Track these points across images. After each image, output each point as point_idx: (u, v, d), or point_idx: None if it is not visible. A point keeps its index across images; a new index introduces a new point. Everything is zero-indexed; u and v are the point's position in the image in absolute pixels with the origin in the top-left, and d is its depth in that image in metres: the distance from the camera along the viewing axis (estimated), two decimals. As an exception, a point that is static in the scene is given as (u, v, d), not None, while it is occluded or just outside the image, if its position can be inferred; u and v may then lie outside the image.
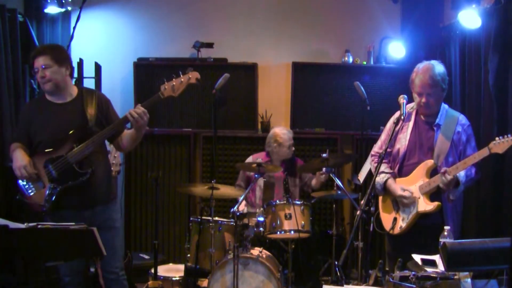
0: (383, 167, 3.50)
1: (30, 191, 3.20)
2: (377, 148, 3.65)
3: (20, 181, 3.21)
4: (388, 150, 3.50)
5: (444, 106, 3.43)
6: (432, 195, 3.29)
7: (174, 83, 3.17)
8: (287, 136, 4.66)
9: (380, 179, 3.46)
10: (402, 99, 3.20)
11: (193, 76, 3.19)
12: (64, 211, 3.18)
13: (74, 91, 3.33)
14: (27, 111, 3.38)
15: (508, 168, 3.62)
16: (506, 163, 3.62)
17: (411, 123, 3.44)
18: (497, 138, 3.02)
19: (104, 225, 3.26)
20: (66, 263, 3.19)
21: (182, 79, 3.17)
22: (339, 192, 4.26)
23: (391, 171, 3.47)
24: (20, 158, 3.16)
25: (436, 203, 3.25)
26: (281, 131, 4.68)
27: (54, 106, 3.26)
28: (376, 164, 3.31)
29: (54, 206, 3.17)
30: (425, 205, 3.28)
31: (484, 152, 3.07)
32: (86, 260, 3.09)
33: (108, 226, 3.30)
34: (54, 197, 3.14)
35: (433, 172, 3.30)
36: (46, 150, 3.18)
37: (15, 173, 3.18)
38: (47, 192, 3.15)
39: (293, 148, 4.71)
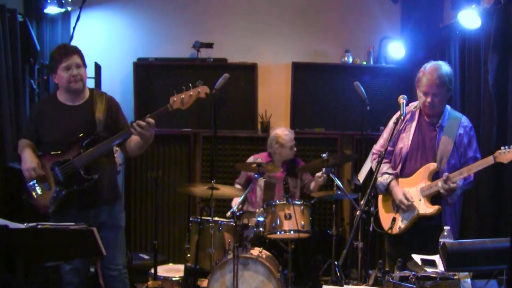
0: (386, 168, 3.49)
1: (36, 192, 3.21)
2: (378, 146, 3.65)
3: (28, 183, 3.23)
4: (390, 149, 3.51)
5: (447, 107, 3.42)
6: (433, 197, 3.28)
7: (183, 96, 3.14)
8: (289, 137, 4.65)
9: (383, 179, 3.46)
10: (402, 99, 3.19)
11: (203, 90, 3.17)
12: (69, 211, 3.21)
13: (87, 93, 3.37)
14: (37, 109, 3.41)
15: (508, 168, 3.62)
16: (506, 164, 3.62)
17: (414, 123, 3.43)
18: (502, 148, 3.02)
19: (108, 223, 3.31)
20: (68, 262, 3.21)
21: (191, 93, 3.14)
22: (339, 192, 4.27)
23: (394, 171, 3.47)
24: (29, 160, 3.17)
25: (436, 207, 3.24)
26: (283, 132, 4.67)
27: (65, 107, 3.29)
28: (377, 164, 3.31)
29: (59, 207, 3.19)
30: (426, 208, 3.27)
31: (488, 160, 3.07)
32: (88, 260, 3.10)
33: (112, 225, 3.34)
34: (59, 200, 3.17)
35: (435, 175, 3.29)
36: (53, 153, 3.20)
37: (23, 174, 3.19)
38: (53, 195, 3.17)
39: (295, 149, 4.71)
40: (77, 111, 3.29)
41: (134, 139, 3.30)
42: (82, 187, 3.18)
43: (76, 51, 3.29)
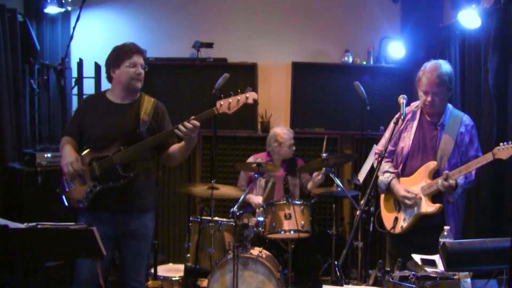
0: (387, 166, 3.50)
1: (70, 186, 3.18)
2: (380, 146, 3.64)
3: (64, 176, 3.19)
4: (392, 148, 3.51)
5: (449, 106, 3.42)
6: (434, 196, 3.28)
7: (230, 101, 3.08)
8: (288, 136, 4.66)
9: (385, 178, 3.46)
10: (402, 99, 3.19)
11: (251, 96, 3.12)
12: (101, 212, 3.15)
13: (137, 95, 3.30)
14: (84, 105, 3.37)
15: (508, 168, 3.62)
16: (506, 163, 3.62)
17: (415, 122, 3.43)
18: (501, 144, 3.01)
19: (138, 233, 3.23)
20: (87, 268, 3.12)
21: (239, 98, 3.09)
22: (339, 189, 4.26)
23: (396, 170, 3.47)
24: (67, 155, 3.11)
25: (437, 205, 3.24)
26: (282, 130, 4.69)
27: (111, 105, 3.23)
28: (377, 163, 3.31)
29: (92, 206, 3.15)
30: (427, 207, 3.27)
31: (487, 157, 3.06)
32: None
33: (142, 234, 3.26)
34: (92, 195, 3.13)
35: (435, 173, 3.29)
36: (93, 149, 3.16)
37: (62, 169, 3.13)
38: (88, 189, 3.14)
39: (294, 148, 4.72)
40: (123, 109, 3.23)
41: (178, 145, 3.25)
42: (118, 184, 3.12)
43: (143, 52, 3.24)
